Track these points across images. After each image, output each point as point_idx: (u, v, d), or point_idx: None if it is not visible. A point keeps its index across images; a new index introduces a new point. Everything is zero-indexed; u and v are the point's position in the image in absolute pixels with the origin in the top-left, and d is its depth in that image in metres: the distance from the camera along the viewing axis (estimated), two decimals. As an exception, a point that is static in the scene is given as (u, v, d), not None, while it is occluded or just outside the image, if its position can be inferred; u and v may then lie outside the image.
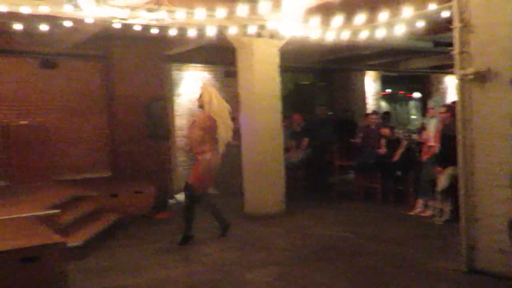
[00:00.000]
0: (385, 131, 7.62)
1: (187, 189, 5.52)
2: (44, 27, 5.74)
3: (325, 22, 6.33)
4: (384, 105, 14.28)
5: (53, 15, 5.24)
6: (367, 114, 9.71)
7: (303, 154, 9.00)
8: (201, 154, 5.36)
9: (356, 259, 4.75)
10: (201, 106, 5.53)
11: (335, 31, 6.66)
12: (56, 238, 3.92)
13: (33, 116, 8.06)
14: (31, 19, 5.55)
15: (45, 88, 8.20)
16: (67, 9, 4.99)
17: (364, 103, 12.86)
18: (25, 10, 4.86)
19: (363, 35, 6.75)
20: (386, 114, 10.89)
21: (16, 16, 5.44)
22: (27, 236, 4.03)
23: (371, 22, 6.29)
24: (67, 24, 5.52)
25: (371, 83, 13.16)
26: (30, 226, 4.46)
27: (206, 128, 5.35)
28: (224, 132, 5.41)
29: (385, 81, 13.81)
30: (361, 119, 10.29)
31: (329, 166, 8.87)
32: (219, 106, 5.39)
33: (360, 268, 4.50)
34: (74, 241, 4.98)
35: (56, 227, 4.86)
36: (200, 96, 5.54)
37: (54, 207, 5.39)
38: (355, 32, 6.71)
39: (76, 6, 4.91)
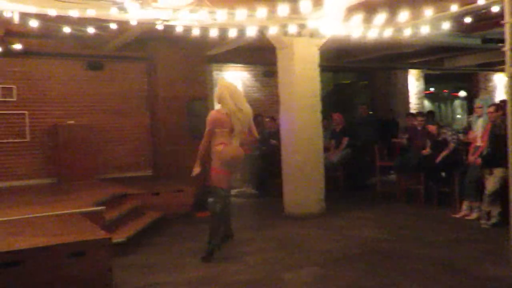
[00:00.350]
0: (432, 128, 7.35)
1: (210, 193, 5.26)
2: (91, 30, 5.93)
3: (367, 20, 6.22)
4: (427, 104, 13.90)
5: (99, 18, 5.40)
6: (411, 114, 9.47)
7: (342, 154, 8.89)
8: (213, 147, 5.14)
9: (401, 263, 4.63)
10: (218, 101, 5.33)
11: (378, 29, 6.53)
12: (102, 234, 4.05)
13: (80, 116, 8.38)
14: (79, 23, 5.76)
15: (91, 89, 8.51)
16: (113, 12, 5.14)
17: (406, 103, 12.55)
18: (73, 13, 5.03)
19: (407, 33, 6.58)
20: (430, 113, 10.59)
21: (64, 20, 5.65)
22: (74, 232, 4.18)
23: (415, 19, 6.12)
24: (113, 26, 5.68)
25: (414, 82, 12.82)
26: (77, 222, 4.62)
27: (213, 122, 5.06)
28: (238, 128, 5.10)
29: (428, 80, 13.42)
30: (405, 119, 10.04)
31: (370, 166, 8.71)
32: (234, 103, 5.10)
33: (406, 271, 4.37)
34: (117, 237, 5.11)
35: (101, 223, 5.02)
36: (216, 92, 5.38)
37: (99, 204, 5.56)
38: (398, 30, 6.55)
39: (121, 8, 5.04)
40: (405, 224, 6.24)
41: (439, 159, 6.99)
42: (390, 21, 6.14)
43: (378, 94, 12.57)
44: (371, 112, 11.52)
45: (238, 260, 4.90)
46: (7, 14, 5.09)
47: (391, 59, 11.53)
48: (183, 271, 4.57)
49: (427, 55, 11.19)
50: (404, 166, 7.62)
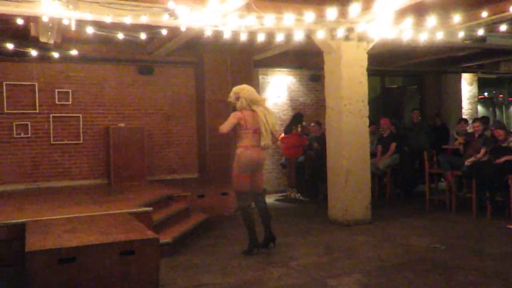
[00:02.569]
0: (500, 132, 6.97)
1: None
2: (142, 36, 6.13)
3: (418, 23, 6.06)
4: (481, 109, 13.33)
5: (151, 24, 5.57)
6: (463, 120, 9.12)
7: (390, 160, 8.69)
8: (235, 150, 5.22)
9: (452, 274, 4.45)
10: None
11: (429, 32, 6.34)
12: (151, 234, 4.15)
13: (130, 119, 8.67)
14: (132, 29, 5.97)
15: (142, 93, 8.79)
16: (164, 19, 5.29)
17: (459, 108, 12.09)
18: (127, 20, 5.22)
19: (460, 35, 6.35)
20: (484, 119, 10.14)
21: (118, 26, 5.87)
22: (124, 231, 4.31)
23: (469, 21, 5.91)
24: (164, 32, 5.84)
25: (466, 86, 12.34)
26: (126, 222, 4.77)
27: (238, 118, 5.13)
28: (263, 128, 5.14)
29: (483, 84, 12.88)
30: (456, 125, 9.67)
31: (419, 173, 8.46)
32: (248, 105, 5.14)
33: (458, 283, 4.19)
34: (164, 238, 5.22)
35: (148, 224, 5.15)
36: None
37: (147, 205, 5.71)
38: (451, 32, 6.34)
39: (172, 15, 5.18)
40: (456, 234, 6.00)
41: (501, 160, 6.58)
42: (442, 23, 5.96)
43: (428, 99, 12.19)
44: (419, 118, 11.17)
45: (283, 264, 4.89)
46: (65, 22, 5.35)
47: (442, 62, 11.17)
48: (227, 273, 4.61)
49: (482, 59, 10.75)
50: (453, 167, 7.32)
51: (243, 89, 5.21)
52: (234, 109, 5.25)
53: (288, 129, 9.26)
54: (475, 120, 8.01)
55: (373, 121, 9.07)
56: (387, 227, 6.41)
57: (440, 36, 6.63)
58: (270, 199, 9.08)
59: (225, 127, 5.12)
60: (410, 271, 4.53)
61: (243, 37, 6.21)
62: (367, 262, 4.90)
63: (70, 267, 3.64)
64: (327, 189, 6.95)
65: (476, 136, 7.48)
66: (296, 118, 9.29)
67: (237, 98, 5.18)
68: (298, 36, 6.15)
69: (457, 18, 5.77)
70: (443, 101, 12.07)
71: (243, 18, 5.58)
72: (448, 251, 5.19)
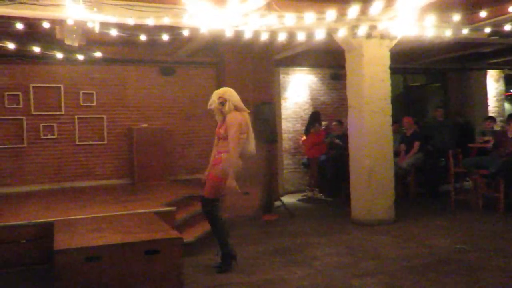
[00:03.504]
0: None
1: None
2: (164, 37, 6.19)
3: (442, 19, 5.96)
4: (508, 107, 13.01)
5: (173, 25, 5.63)
6: (490, 118, 8.92)
7: (413, 159, 8.57)
8: (219, 153, 4.80)
9: (478, 275, 4.36)
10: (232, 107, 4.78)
11: (453, 28, 6.23)
12: (174, 233, 4.20)
13: (153, 120, 8.77)
14: (154, 30, 6.03)
15: (164, 94, 8.87)
16: (185, 20, 5.33)
17: (484, 105, 11.82)
18: (150, 22, 5.28)
19: (486, 31, 6.21)
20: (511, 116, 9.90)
21: (140, 28, 5.95)
22: (148, 230, 4.37)
23: (495, 16, 5.77)
24: (185, 33, 5.89)
25: (492, 83, 12.06)
26: (150, 221, 4.83)
27: (240, 125, 4.68)
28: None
29: (510, 81, 12.56)
30: (482, 123, 9.49)
31: (444, 172, 8.31)
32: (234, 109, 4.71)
33: (484, 285, 4.12)
34: (187, 237, 5.27)
35: (172, 223, 5.20)
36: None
37: (170, 204, 5.78)
38: (477, 28, 6.20)
39: (192, 15, 5.21)
40: (482, 234, 5.88)
41: None
42: (467, 19, 5.84)
43: (452, 97, 11.96)
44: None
45: (306, 264, 4.87)
46: (89, 25, 5.45)
47: (467, 59, 10.94)
48: (250, 272, 4.62)
49: (509, 55, 10.48)
50: (478, 166, 7.18)
51: (229, 91, 4.73)
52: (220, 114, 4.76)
53: (307, 130, 9.27)
54: (509, 117, 7.71)
55: (396, 119, 8.98)
56: (410, 227, 6.33)
57: (465, 32, 6.50)
58: (292, 199, 9.07)
59: (235, 145, 4.60)
60: (435, 272, 4.47)
61: (264, 37, 6.21)
62: (390, 262, 4.85)
63: (96, 265, 3.71)
64: (350, 188, 6.90)
65: (510, 136, 7.26)
66: (313, 117, 9.28)
67: (222, 103, 4.66)
68: (319, 35, 6.11)
69: (482, 13, 5.65)
70: (468, 98, 11.83)
71: (264, 17, 5.58)
72: (473, 252, 5.09)
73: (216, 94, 4.77)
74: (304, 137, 9.38)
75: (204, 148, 9.08)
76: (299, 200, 9.14)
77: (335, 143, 8.94)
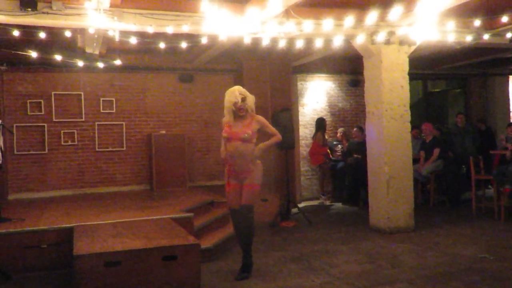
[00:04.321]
0: None
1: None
2: (183, 45, 6.26)
3: (463, 24, 5.89)
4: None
5: (192, 33, 5.69)
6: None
7: (433, 166, 8.44)
8: (254, 158, 4.71)
9: (500, 284, 4.27)
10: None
11: (474, 34, 6.14)
12: (192, 239, 4.22)
13: (172, 127, 8.86)
14: (173, 38, 6.11)
15: (182, 100, 8.96)
16: (205, 27, 5.38)
17: (506, 111, 11.61)
18: (169, 30, 5.35)
19: (508, 36, 6.12)
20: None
21: (160, 36, 6.03)
22: (167, 236, 4.39)
23: (517, 21, 5.68)
24: (204, 41, 5.94)
25: (515, 89, 11.84)
26: (169, 227, 4.86)
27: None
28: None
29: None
30: (505, 129, 9.29)
31: (465, 180, 8.16)
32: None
33: (505, 294, 4.04)
34: (205, 243, 5.28)
35: (190, 229, 5.23)
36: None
37: (189, 210, 5.81)
38: (498, 33, 6.11)
39: (211, 23, 5.26)
40: (505, 243, 5.74)
41: None
42: (489, 24, 5.76)
43: (473, 103, 11.77)
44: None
45: (324, 272, 4.83)
46: (110, 33, 5.55)
47: (488, 65, 10.77)
48: (268, 279, 4.60)
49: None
50: (504, 176, 7.01)
51: (245, 91, 4.65)
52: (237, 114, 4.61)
53: (312, 137, 9.34)
54: None
55: (416, 125, 8.87)
56: (431, 235, 6.22)
57: (485, 37, 6.41)
58: (310, 206, 9.02)
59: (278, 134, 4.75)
60: (457, 281, 4.38)
61: (282, 44, 6.23)
62: (411, 271, 4.77)
63: (115, 270, 3.74)
64: (368, 195, 6.83)
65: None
66: (318, 125, 9.25)
67: (243, 99, 4.56)
68: (338, 42, 6.10)
69: (504, 18, 5.56)
70: (489, 104, 11.63)
71: (282, 24, 5.59)
72: (497, 262, 4.98)
73: (237, 90, 4.59)
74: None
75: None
76: (317, 206, 9.09)
77: (354, 156, 8.84)
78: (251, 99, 4.60)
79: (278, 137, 4.74)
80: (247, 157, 4.55)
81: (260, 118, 4.70)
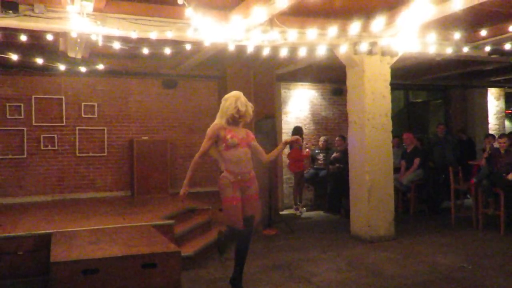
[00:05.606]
0: None
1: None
2: (167, 51, 6.23)
3: (443, 37, 6.00)
4: (508, 124, 13.03)
5: (176, 39, 5.67)
6: (490, 135, 8.92)
7: (414, 175, 8.55)
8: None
9: (478, 293, 4.33)
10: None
11: (454, 46, 6.27)
12: (172, 247, 4.17)
13: (154, 132, 8.80)
14: (157, 44, 6.08)
15: (166, 106, 8.92)
16: (189, 34, 5.37)
17: (485, 123, 11.85)
18: (153, 35, 5.33)
19: (486, 49, 6.26)
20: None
21: (143, 41, 6.00)
22: (146, 244, 4.34)
23: (496, 35, 5.82)
24: (188, 47, 5.93)
25: (493, 101, 12.10)
26: (148, 234, 4.81)
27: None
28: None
29: (510, 99, 12.61)
30: (482, 140, 9.49)
31: (444, 189, 8.28)
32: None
33: (482, 303, 4.09)
34: (185, 251, 5.24)
35: (170, 236, 5.18)
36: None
37: (170, 217, 5.76)
38: (478, 46, 6.25)
39: (196, 29, 5.26)
40: (483, 252, 5.83)
41: None
42: (468, 37, 5.89)
43: (453, 114, 12.00)
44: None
45: (305, 280, 4.83)
46: (93, 37, 5.50)
47: (468, 76, 10.99)
48: (248, 287, 4.58)
49: (509, 73, 10.53)
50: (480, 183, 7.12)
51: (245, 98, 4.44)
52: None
53: (291, 144, 9.28)
54: (501, 136, 7.81)
55: (397, 135, 8.98)
56: (411, 244, 6.28)
57: (465, 50, 6.55)
58: (291, 214, 9.03)
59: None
60: (436, 290, 4.42)
61: (266, 52, 6.26)
62: (391, 279, 4.80)
63: (93, 278, 3.68)
64: (350, 204, 6.87)
65: (502, 152, 7.28)
66: (295, 132, 9.29)
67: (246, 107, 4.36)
68: (321, 51, 6.16)
69: (483, 32, 5.69)
70: (469, 115, 11.86)
71: (266, 33, 5.63)
72: (475, 270, 5.05)
73: (242, 97, 4.35)
74: (289, 150, 9.39)
75: (206, 161, 9.06)
76: (298, 215, 9.10)
77: (336, 167, 8.87)
78: (251, 108, 4.39)
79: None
80: (251, 164, 4.35)
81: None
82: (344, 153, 8.53)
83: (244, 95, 4.47)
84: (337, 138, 9.41)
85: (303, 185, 9.31)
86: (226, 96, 4.41)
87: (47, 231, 4.92)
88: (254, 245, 6.40)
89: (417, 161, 8.55)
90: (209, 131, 4.36)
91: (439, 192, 8.64)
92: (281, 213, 8.16)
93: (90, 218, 5.87)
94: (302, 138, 9.33)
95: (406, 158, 8.72)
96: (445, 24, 5.93)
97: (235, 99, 4.30)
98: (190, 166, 4.43)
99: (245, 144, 4.32)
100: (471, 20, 5.79)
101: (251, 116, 4.38)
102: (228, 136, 4.24)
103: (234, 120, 4.30)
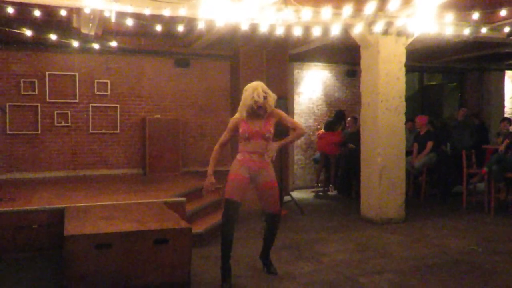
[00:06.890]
0: None
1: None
2: (180, 29, 6.19)
3: (461, 18, 5.86)
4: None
5: (189, 17, 5.63)
6: (507, 119, 8.78)
7: (426, 159, 8.47)
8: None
9: (490, 278, 4.32)
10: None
11: (472, 27, 6.13)
12: (184, 224, 4.21)
13: (167, 111, 8.82)
14: (170, 21, 6.04)
15: (178, 85, 8.92)
16: (202, 12, 5.32)
17: (501, 106, 11.66)
18: (166, 12, 5.29)
19: (505, 31, 6.11)
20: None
21: (156, 19, 5.96)
22: (158, 220, 4.39)
23: (516, 16, 5.67)
24: (201, 25, 5.88)
25: (510, 84, 11.88)
26: (161, 211, 4.86)
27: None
28: None
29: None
30: (498, 123, 9.34)
31: (458, 173, 8.21)
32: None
33: (492, 286, 4.08)
34: (196, 228, 5.30)
35: (182, 214, 5.23)
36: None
37: (181, 195, 5.81)
38: (496, 28, 6.10)
39: (209, 7, 5.20)
40: (494, 236, 5.80)
41: None
42: (487, 18, 5.74)
43: (468, 97, 11.81)
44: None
45: (314, 260, 4.87)
46: (106, 14, 5.47)
47: (485, 59, 10.78)
48: (258, 266, 4.62)
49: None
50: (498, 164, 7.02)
51: (267, 88, 4.33)
52: (257, 113, 4.25)
53: (329, 127, 9.21)
54: None
55: (411, 118, 8.89)
56: (421, 227, 6.27)
57: (483, 31, 6.40)
58: (302, 195, 9.05)
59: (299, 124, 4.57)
60: (445, 273, 4.43)
61: (280, 31, 6.18)
62: (400, 261, 4.82)
63: (106, 252, 3.74)
64: (361, 185, 6.86)
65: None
66: (339, 116, 9.25)
67: (265, 97, 4.21)
68: (335, 31, 6.07)
69: (503, 12, 5.54)
70: (485, 99, 11.67)
71: (280, 11, 5.55)
72: (485, 254, 5.04)
73: (260, 88, 4.22)
74: (323, 130, 9.33)
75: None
76: (309, 195, 9.12)
77: (349, 147, 8.83)
78: (272, 98, 4.26)
79: (299, 131, 4.36)
80: (265, 154, 4.31)
81: (279, 112, 4.35)
82: (356, 134, 8.48)
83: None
84: (348, 119, 9.35)
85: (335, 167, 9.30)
86: (246, 86, 4.36)
87: (61, 206, 5.00)
88: (262, 225, 6.44)
89: (429, 144, 8.46)
90: (229, 123, 4.51)
91: (452, 176, 8.56)
92: (291, 193, 8.17)
93: (103, 195, 5.95)
94: (345, 123, 9.26)
95: (418, 141, 8.63)
96: (463, 4, 5.79)
97: (252, 90, 4.22)
98: (212, 156, 4.58)
99: (259, 137, 4.27)
100: (490, 0, 5.65)
101: (271, 106, 4.26)
102: (241, 130, 4.34)
103: (253, 111, 4.24)
